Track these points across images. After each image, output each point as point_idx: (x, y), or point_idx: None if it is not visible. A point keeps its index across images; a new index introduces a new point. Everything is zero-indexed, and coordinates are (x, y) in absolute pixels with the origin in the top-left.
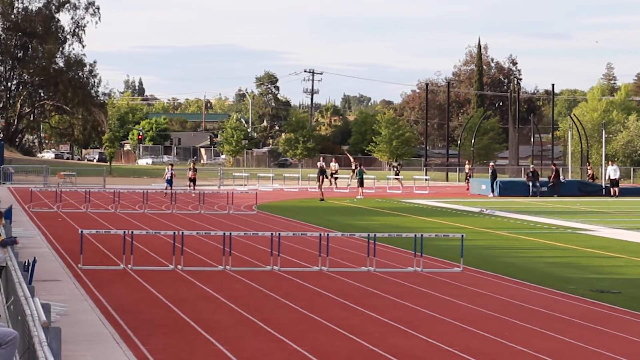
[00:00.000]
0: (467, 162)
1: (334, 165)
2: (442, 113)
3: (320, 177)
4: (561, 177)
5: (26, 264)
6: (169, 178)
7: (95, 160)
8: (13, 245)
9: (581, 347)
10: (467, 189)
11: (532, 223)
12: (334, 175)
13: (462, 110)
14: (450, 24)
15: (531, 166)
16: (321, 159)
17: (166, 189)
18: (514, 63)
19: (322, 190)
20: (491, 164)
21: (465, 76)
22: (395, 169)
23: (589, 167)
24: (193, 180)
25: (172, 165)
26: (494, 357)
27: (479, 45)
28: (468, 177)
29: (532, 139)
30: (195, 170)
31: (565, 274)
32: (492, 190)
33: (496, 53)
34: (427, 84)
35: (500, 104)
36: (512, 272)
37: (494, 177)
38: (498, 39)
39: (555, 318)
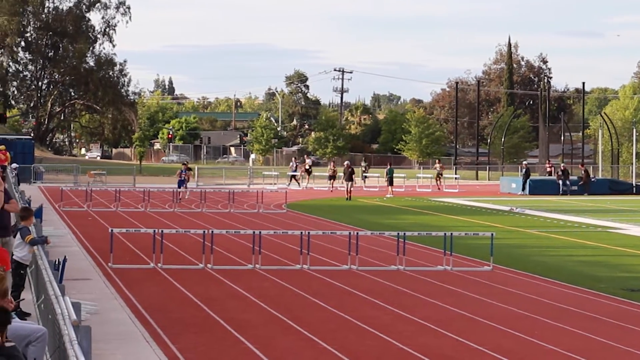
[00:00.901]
0: (437, 160)
1: (309, 161)
2: (472, 112)
3: (352, 178)
4: (591, 175)
5: (56, 262)
6: (183, 179)
7: (98, 158)
8: (43, 245)
9: (612, 346)
10: (439, 189)
11: (562, 222)
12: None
13: (492, 109)
14: (480, 22)
15: (562, 165)
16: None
17: (180, 194)
18: (544, 61)
19: (352, 189)
20: (524, 162)
21: (496, 75)
22: (363, 169)
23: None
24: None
25: (185, 164)
26: (524, 356)
27: (509, 44)
28: (439, 176)
29: (562, 138)
30: (188, 170)
31: (595, 273)
32: (524, 189)
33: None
34: (457, 83)
35: (531, 102)
36: (542, 270)
37: (527, 175)
38: (528, 37)
39: (586, 317)
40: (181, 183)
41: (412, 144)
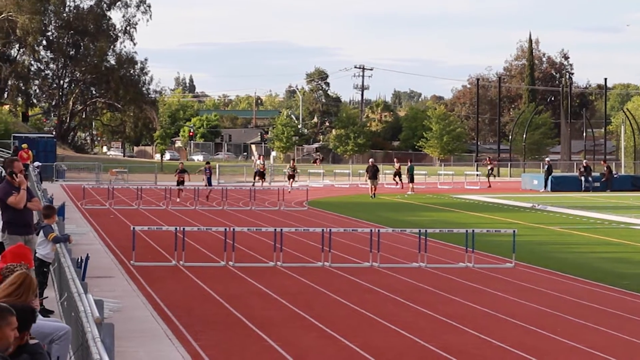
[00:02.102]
0: (395, 159)
1: (259, 162)
2: (493, 108)
3: (377, 176)
4: (613, 172)
5: (79, 260)
6: (209, 177)
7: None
8: (66, 243)
9: (635, 343)
10: (402, 187)
11: (584, 218)
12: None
13: (513, 105)
14: (501, 18)
15: (584, 161)
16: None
17: (208, 193)
18: (566, 57)
19: (376, 187)
20: (547, 159)
21: (517, 71)
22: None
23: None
24: (181, 182)
25: (208, 163)
26: (547, 353)
27: (530, 40)
28: (396, 175)
29: (584, 134)
30: (183, 171)
31: (618, 270)
32: (546, 186)
33: (548, 47)
34: (478, 79)
35: (552, 98)
36: (564, 267)
37: (549, 172)
38: (549, 33)
39: (609, 314)
40: (209, 182)
41: (433, 141)
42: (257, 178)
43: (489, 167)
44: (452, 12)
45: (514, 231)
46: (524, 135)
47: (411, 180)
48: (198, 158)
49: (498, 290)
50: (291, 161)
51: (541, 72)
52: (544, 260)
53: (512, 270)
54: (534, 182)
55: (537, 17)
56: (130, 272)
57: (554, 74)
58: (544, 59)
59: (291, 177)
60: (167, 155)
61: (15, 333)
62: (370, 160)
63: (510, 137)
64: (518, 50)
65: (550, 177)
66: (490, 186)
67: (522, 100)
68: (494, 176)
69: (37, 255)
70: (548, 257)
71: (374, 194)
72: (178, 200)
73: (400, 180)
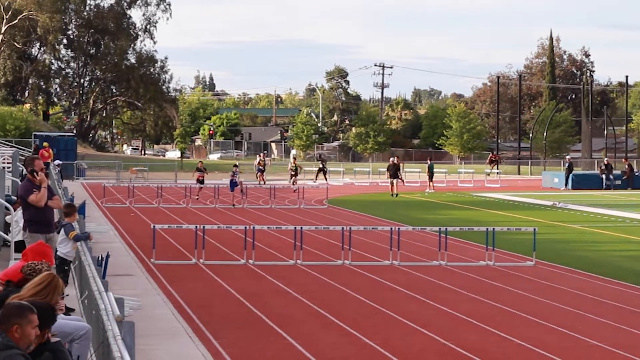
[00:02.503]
0: (396, 157)
1: (260, 160)
2: (514, 106)
3: (397, 174)
4: (635, 169)
5: (99, 258)
6: (235, 181)
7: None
8: (86, 241)
9: None
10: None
11: (605, 216)
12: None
13: (534, 103)
14: (522, 16)
15: (605, 159)
16: (394, 158)
17: (235, 198)
18: (587, 55)
19: (397, 185)
20: (568, 157)
21: (537, 69)
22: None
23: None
24: (201, 181)
25: (237, 166)
26: (568, 351)
27: (551, 38)
28: (389, 172)
29: (605, 132)
30: (203, 170)
31: (639, 268)
32: (567, 184)
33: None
34: (498, 77)
35: (573, 96)
36: (585, 265)
37: (570, 170)
38: (570, 30)
39: (630, 312)
40: (233, 185)
41: (453, 139)
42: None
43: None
44: (473, 9)
45: (534, 229)
46: (545, 133)
47: (430, 178)
48: (217, 157)
49: (518, 289)
50: (293, 159)
51: (562, 69)
52: (565, 258)
53: (532, 268)
54: (555, 180)
55: (558, 14)
56: (150, 270)
57: (575, 71)
58: (564, 57)
59: (293, 175)
60: (219, 155)
61: (37, 331)
62: (391, 158)
63: (530, 135)
64: (539, 48)
65: (571, 175)
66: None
67: (542, 98)
68: (497, 172)
69: (58, 253)
70: (569, 255)
71: (395, 192)
72: (197, 198)
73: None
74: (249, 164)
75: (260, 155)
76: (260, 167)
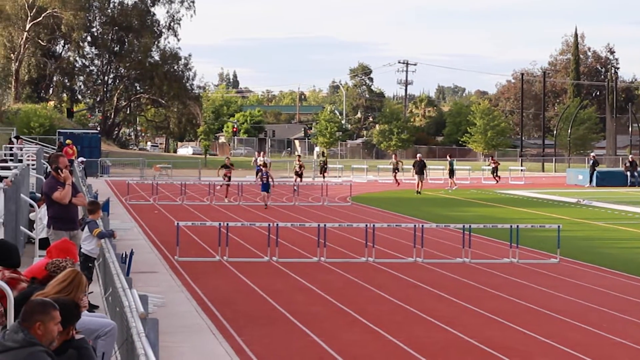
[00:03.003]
0: (394, 155)
1: (261, 159)
2: (538, 103)
3: (423, 172)
4: None
5: (123, 255)
6: (267, 182)
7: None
8: (110, 238)
9: None
10: (398, 184)
11: (630, 213)
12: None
13: (558, 100)
14: (546, 13)
15: (630, 156)
16: (420, 155)
17: (268, 197)
18: (611, 52)
19: (422, 183)
20: (592, 154)
21: (562, 65)
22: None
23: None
24: (228, 178)
25: (266, 165)
26: (592, 348)
27: (576, 34)
28: (395, 171)
29: (630, 129)
30: (230, 166)
31: None
32: (591, 181)
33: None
34: (522, 74)
35: (597, 93)
36: (609, 263)
37: (594, 167)
38: (595, 27)
39: None
40: (265, 186)
41: (477, 136)
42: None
43: (493, 166)
44: (497, 6)
45: (558, 226)
46: (569, 130)
47: (451, 175)
48: (240, 152)
49: (542, 286)
50: (297, 157)
51: (586, 66)
52: (589, 255)
53: (556, 265)
54: (579, 177)
55: (583, 11)
56: (174, 267)
57: (599, 68)
58: (589, 54)
59: (298, 174)
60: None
61: (59, 327)
62: (418, 155)
63: (555, 132)
64: (563, 45)
65: (595, 172)
66: (497, 181)
67: (567, 95)
68: (498, 177)
69: (82, 250)
70: (593, 252)
71: (420, 189)
72: (226, 200)
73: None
74: (274, 161)
75: (258, 154)
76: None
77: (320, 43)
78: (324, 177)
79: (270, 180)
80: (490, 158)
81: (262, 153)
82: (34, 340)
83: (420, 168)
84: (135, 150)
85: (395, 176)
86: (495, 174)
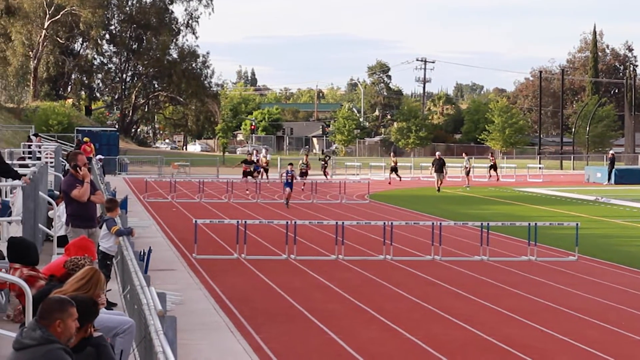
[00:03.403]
0: (392, 154)
1: (264, 157)
2: (556, 101)
3: (442, 169)
4: None
5: (142, 253)
6: (290, 180)
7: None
8: (129, 236)
9: None
10: (390, 183)
11: None
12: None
13: (576, 98)
14: (565, 10)
15: None
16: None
17: (290, 195)
18: (630, 49)
19: (442, 180)
20: (611, 152)
21: (580, 63)
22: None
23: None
24: (249, 173)
25: (291, 164)
26: (611, 347)
27: (594, 32)
28: (393, 171)
29: None
30: (250, 162)
31: None
32: (609, 178)
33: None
34: (540, 72)
35: (616, 91)
36: (628, 260)
37: (612, 164)
38: (613, 25)
39: None
40: (288, 184)
41: (495, 133)
42: (256, 173)
43: (491, 163)
44: (515, 4)
45: (577, 224)
46: (587, 128)
47: (467, 173)
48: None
49: (561, 284)
50: (305, 156)
51: (605, 64)
52: (607, 253)
53: (575, 263)
54: (598, 175)
55: (601, 9)
56: (192, 265)
57: (618, 66)
58: (607, 51)
59: (304, 173)
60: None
61: (76, 324)
62: (437, 153)
63: (573, 129)
64: (581, 43)
65: (613, 169)
66: (498, 179)
67: (585, 92)
68: (496, 176)
69: (100, 248)
70: (611, 250)
71: (439, 187)
72: (249, 197)
73: (398, 175)
74: (292, 158)
75: (256, 153)
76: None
77: (338, 41)
78: (325, 176)
79: (294, 178)
80: (491, 155)
81: (255, 151)
82: (52, 337)
83: (439, 166)
84: (155, 148)
85: (390, 175)
86: (494, 170)
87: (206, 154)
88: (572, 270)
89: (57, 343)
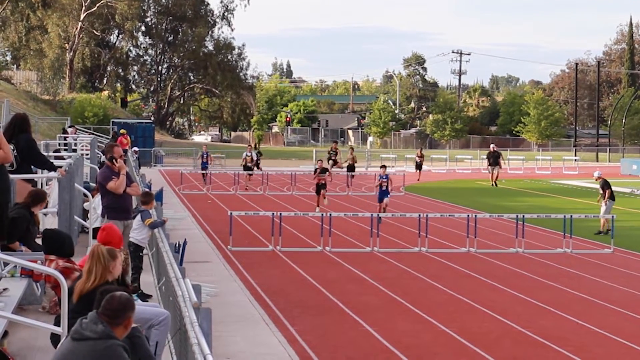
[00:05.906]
0: (419, 150)
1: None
2: (592, 93)
3: (499, 162)
4: None
5: (177, 245)
6: (385, 188)
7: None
8: (163, 226)
9: None
10: (419, 180)
11: None
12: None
13: (612, 90)
14: (601, 2)
15: None
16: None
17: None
18: None
19: (496, 174)
20: None
21: (616, 55)
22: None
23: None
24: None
25: (384, 167)
26: None
27: (631, 24)
28: (489, 159)
29: None
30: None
31: None
32: None
33: None
34: (576, 64)
35: None
36: None
37: None
38: None
39: None
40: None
41: (531, 125)
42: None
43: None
44: None
45: (612, 216)
46: (623, 120)
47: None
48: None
49: (596, 276)
50: (333, 144)
51: None
52: None
53: (610, 256)
54: (633, 167)
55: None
56: (227, 257)
57: None
58: None
59: (334, 162)
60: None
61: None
62: (492, 145)
63: (609, 122)
64: (618, 34)
65: None
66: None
67: (621, 84)
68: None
69: (131, 239)
70: None
71: (495, 181)
72: (325, 202)
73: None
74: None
75: (249, 149)
76: (249, 165)
77: (373, 33)
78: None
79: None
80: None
81: (249, 147)
82: (112, 333)
83: (495, 159)
84: (190, 140)
85: (419, 172)
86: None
87: (243, 145)
88: (607, 262)
89: (116, 339)
